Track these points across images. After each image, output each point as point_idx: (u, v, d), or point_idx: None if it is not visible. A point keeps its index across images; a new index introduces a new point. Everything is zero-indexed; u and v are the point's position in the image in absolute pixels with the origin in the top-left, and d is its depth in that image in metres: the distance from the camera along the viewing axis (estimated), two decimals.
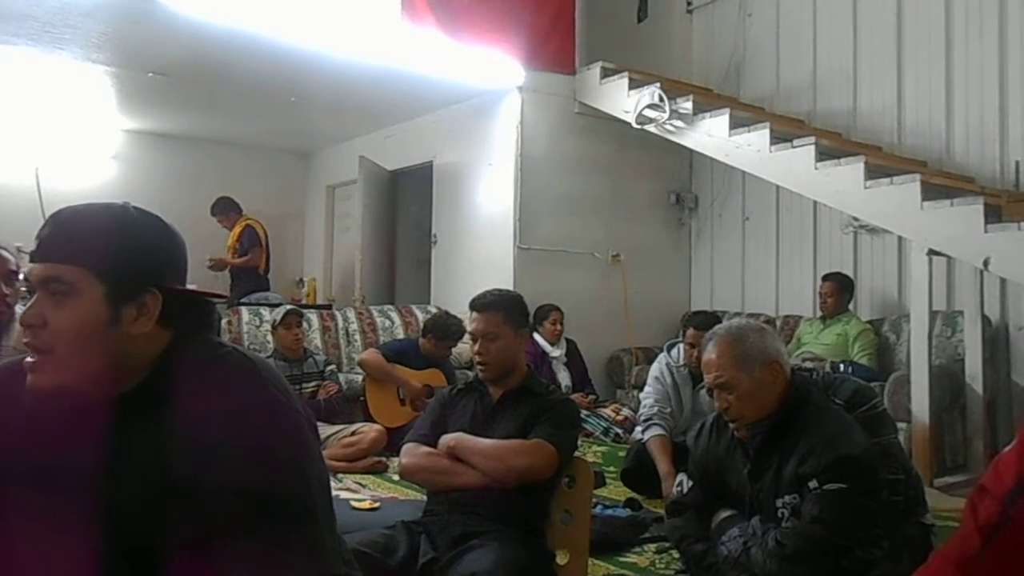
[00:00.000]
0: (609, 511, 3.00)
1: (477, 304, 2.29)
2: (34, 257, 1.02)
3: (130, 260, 1.04)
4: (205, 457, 0.98)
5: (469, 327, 2.30)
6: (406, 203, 7.13)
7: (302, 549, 1.00)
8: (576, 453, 2.32)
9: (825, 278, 5.04)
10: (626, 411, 4.94)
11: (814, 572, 1.63)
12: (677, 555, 2.22)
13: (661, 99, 5.03)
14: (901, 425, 3.79)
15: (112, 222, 1.06)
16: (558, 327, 5.27)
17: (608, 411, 4.97)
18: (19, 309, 2.34)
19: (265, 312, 5.19)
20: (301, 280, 7.69)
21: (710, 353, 1.91)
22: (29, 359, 1.01)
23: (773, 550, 1.65)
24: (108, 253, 1.03)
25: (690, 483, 1.97)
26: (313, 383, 4.39)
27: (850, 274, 5.17)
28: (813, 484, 1.67)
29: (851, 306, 5.04)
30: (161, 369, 1.05)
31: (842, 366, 4.38)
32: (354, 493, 3.45)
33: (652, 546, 2.75)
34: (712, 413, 2.06)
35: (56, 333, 1.00)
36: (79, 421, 1.02)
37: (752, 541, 1.71)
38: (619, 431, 4.75)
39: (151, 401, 1.02)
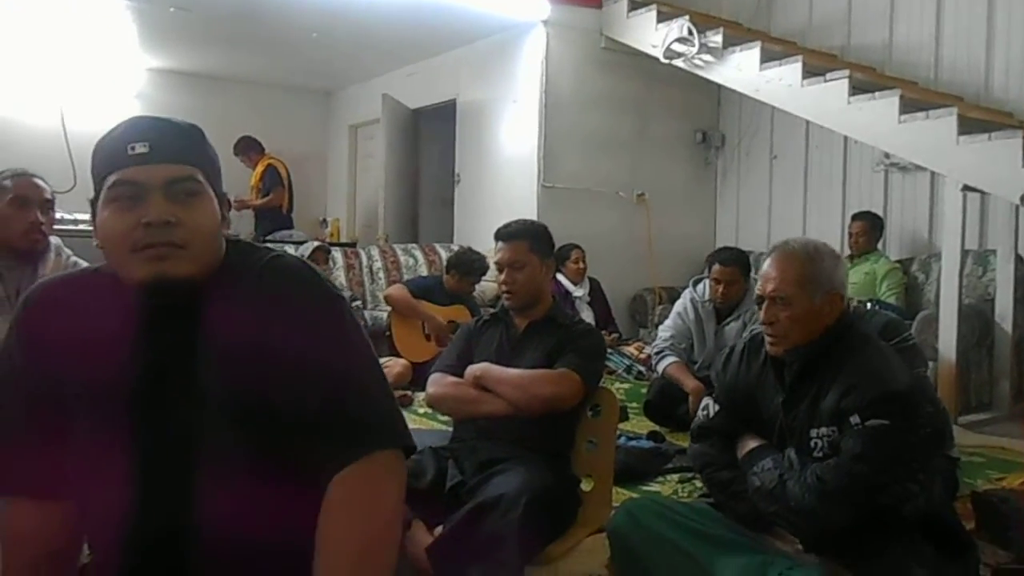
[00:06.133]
0: (632, 442, 3.04)
1: (503, 233, 2.28)
2: (143, 159, 1.03)
3: (217, 165, 1.13)
4: (275, 345, 1.02)
5: (494, 257, 2.30)
6: (429, 142, 7.08)
7: (383, 425, 1.07)
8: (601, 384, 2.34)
9: (855, 217, 4.97)
10: (649, 349, 4.95)
11: (852, 508, 1.59)
12: (700, 484, 2.24)
13: (690, 32, 4.90)
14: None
15: (199, 132, 1.12)
16: (581, 265, 5.27)
17: (631, 349, 5.00)
18: (53, 239, 2.37)
19: (290, 249, 5.21)
20: (324, 220, 7.71)
21: (775, 264, 1.78)
22: (159, 251, 1.01)
23: (813, 485, 1.61)
24: (212, 158, 1.11)
25: (716, 407, 1.94)
26: None
27: (880, 213, 5.09)
28: (855, 419, 1.61)
29: (880, 245, 4.98)
30: (229, 264, 1.10)
31: (868, 305, 4.34)
32: None
33: (675, 476, 2.79)
34: (741, 340, 2.03)
35: (193, 230, 1.04)
36: (127, 326, 1.04)
37: (789, 474, 1.66)
38: (642, 369, 4.78)
39: (203, 303, 1.05)
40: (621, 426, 3.37)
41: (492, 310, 2.46)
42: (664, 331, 3.70)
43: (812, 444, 1.70)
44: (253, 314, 1.03)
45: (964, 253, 4.01)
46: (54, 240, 2.35)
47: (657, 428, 3.40)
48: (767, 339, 1.82)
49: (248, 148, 6.72)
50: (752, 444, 1.83)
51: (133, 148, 1.03)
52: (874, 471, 1.59)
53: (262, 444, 1.02)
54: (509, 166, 5.87)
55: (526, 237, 2.26)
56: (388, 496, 1.06)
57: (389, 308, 4.63)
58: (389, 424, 1.08)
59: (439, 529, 1.89)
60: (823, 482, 1.61)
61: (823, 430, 1.69)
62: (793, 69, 4.49)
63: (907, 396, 1.65)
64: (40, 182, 2.26)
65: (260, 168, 6.69)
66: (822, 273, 1.76)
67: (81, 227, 3.78)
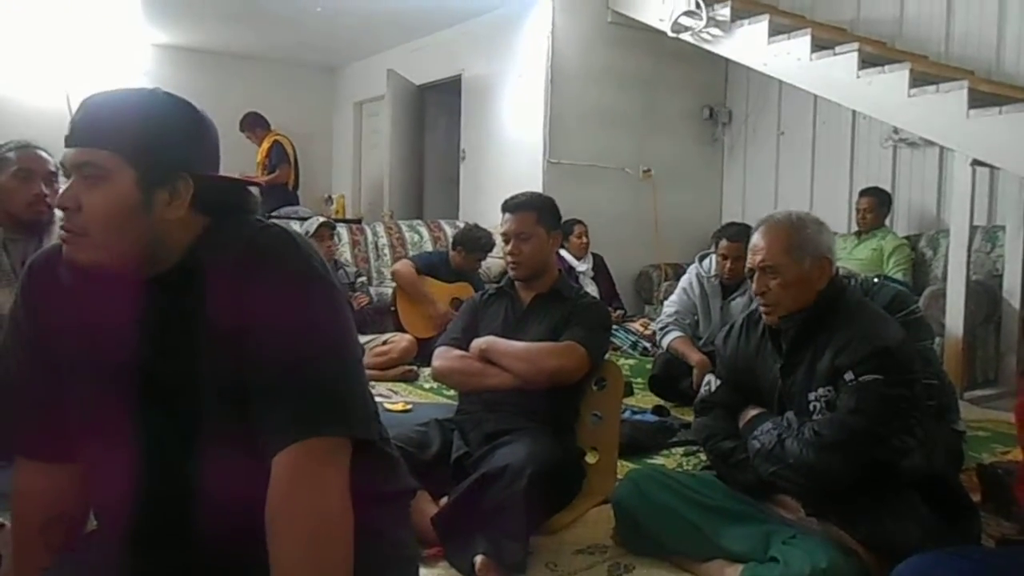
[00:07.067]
0: (638, 416, 3.04)
1: (510, 204, 2.28)
2: (67, 142, 1.03)
3: (161, 145, 1.03)
4: (244, 322, 1.00)
5: (501, 228, 2.29)
6: (434, 118, 7.04)
7: (335, 412, 1.02)
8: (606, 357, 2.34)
9: (863, 193, 4.93)
10: (654, 325, 4.95)
11: (849, 461, 1.63)
12: (704, 457, 2.25)
13: (698, 5, 4.84)
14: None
15: (142, 106, 1.05)
16: (584, 240, 5.26)
17: (636, 325, 4.99)
18: (58, 212, 2.37)
19: (296, 225, 5.20)
20: (330, 197, 7.69)
21: (762, 236, 1.85)
22: (63, 233, 1.02)
23: (810, 440, 1.65)
24: (138, 137, 1.02)
25: (718, 382, 1.96)
26: None
27: (888, 189, 5.06)
28: (849, 376, 1.66)
29: (888, 221, 4.95)
30: (197, 250, 1.06)
31: (875, 280, 4.32)
32: (386, 399, 3.53)
33: (679, 449, 2.80)
34: (741, 316, 2.04)
35: (90, 216, 1.01)
36: (117, 300, 1.05)
37: (787, 433, 1.71)
38: (647, 345, 4.77)
39: (188, 278, 1.04)
40: (626, 401, 3.37)
41: (497, 284, 2.46)
42: (669, 306, 3.70)
43: (811, 407, 1.74)
44: (231, 288, 1.01)
45: (972, 229, 3.98)
46: (59, 212, 2.35)
47: (662, 403, 3.41)
48: (762, 310, 1.86)
49: (254, 124, 6.70)
50: (753, 413, 1.86)
51: (69, 128, 1.04)
52: (870, 423, 1.63)
53: (246, 416, 1.02)
54: (514, 142, 5.83)
55: (533, 208, 2.26)
56: (327, 486, 1.00)
57: (395, 284, 4.64)
58: (337, 411, 1.02)
59: (444, 499, 1.91)
60: (820, 436, 1.65)
61: (820, 391, 1.74)
62: (802, 42, 4.43)
63: (898, 351, 1.69)
64: (44, 154, 2.25)
65: (266, 144, 6.67)
66: (807, 239, 1.82)
67: None
